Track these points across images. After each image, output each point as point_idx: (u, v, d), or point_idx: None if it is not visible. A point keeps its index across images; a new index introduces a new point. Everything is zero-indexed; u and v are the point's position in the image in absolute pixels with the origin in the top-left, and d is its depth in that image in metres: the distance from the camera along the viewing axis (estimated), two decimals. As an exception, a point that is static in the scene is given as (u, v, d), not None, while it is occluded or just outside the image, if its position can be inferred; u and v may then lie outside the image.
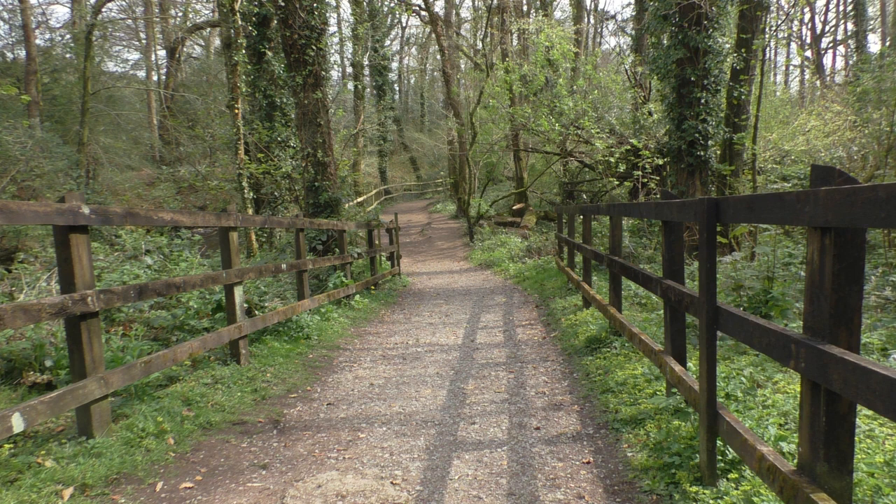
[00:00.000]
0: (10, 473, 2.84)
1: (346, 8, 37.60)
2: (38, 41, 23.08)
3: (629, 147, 13.70)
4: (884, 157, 9.26)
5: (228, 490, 3.00)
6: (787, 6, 13.96)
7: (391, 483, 3.02)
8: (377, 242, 11.05)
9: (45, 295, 6.19)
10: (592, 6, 39.05)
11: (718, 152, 10.67)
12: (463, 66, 34.50)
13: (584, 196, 17.96)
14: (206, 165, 23.02)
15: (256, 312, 6.12)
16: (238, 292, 5.11)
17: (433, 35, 29.36)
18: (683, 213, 3.18)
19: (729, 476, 2.64)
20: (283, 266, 6.39)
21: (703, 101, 9.50)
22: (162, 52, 33.01)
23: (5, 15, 24.43)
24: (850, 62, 27.60)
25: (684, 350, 3.59)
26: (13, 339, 4.56)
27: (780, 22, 11.88)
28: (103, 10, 23.03)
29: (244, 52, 12.68)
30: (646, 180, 12.75)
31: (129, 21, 30.35)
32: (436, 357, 5.73)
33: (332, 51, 28.91)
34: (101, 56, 26.67)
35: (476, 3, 35.85)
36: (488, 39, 22.60)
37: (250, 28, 14.13)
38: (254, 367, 5.11)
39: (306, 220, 7.20)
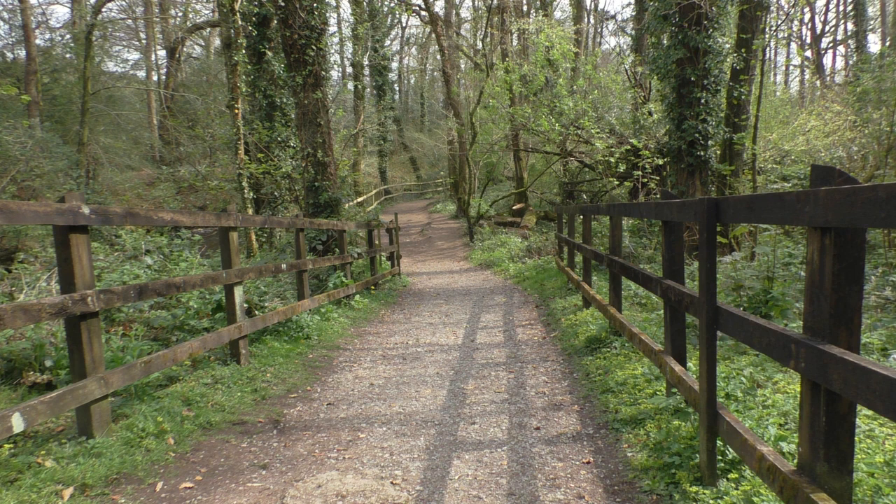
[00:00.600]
0: (10, 473, 2.84)
1: (346, 8, 37.64)
2: (38, 41, 23.09)
3: (629, 147, 13.71)
4: (884, 157, 9.26)
5: (228, 490, 3.00)
6: (787, 6, 13.97)
7: (391, 483, 3.02)
8: (377, 242, 11.05)
9: (45, 295, 6.19)
10: (592, 6, 39.08)
11: (718, 152, 10.67)
12: (463, 66, 34.50)
13: (584, 196, 17.96)
14: (206, 165, 23.02)
15: (256, 312, 6.12)
16: (238, 292, 5.11)
17: (433, 35, 29.36)
18: (683, 213, 3.18)
19: (729, 476, 2.63)
20: (283, 266, 6.39)
21: (703, 101, 9.50)
22: (162, 52, 33.03)
23: (5, 15, 24.45)
24: (850, 62, 27.61)
25: (684, 350, 3.59)
26: (13, 339, 4.56)
27: (780, 22, 11.88)
28: (103, 10, 23.03)
29: (244, 52, 12.68)
30: (646, 180, 12.75)
31: (129, 21, 30.36)
32: (436, 357, 5.73)
33: (332, 51, 28.92)
34: (101, 56, 26.68)
35: (476, 3, 35.87)
36: (488, 39, 22.60)
37: (250, 28, 14.13)
38: (254, 367, 5.11)
39: (306, 220, 7.20)
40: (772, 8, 10.93)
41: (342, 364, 5.63)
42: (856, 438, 2.49)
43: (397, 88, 46.44)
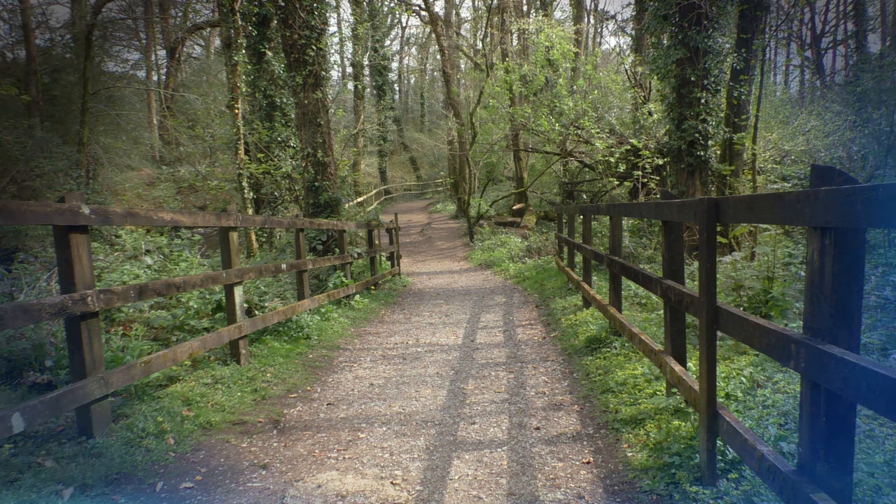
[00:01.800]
0: (10, 473, 2.84)
1: (346, 8, 37.64)
2: (38, 41, 23.06)
3: (629, 147, 13.70)
4: (884, 157, 9.26)
5: (228, 490, 3.00)
6: (787, 6, 13.96)
7: (391, 483, 3.02)
8: (377, 242, 11.05)
9: (45, 295, 6.19)
10: (592, 6, 39.03)
11: (718, 152, 10.66)
12: (463, 66, 34.52)
13: (584, 196, 17.96)
14: (206, 165, 23.02)
15: (256, 312, 6.12)
16: (238, 292, 5.11)
17: (433, 35, 29.36)
18: (683, 213, 3.18)
19: (729, 476, 2.63)
20: (283, 266, 6.39)
21: (703, 101, 9.49)
22: (162, 52, 33.01)
23: (5, 15, 24.41)
24: (850, 62, 27.59)
25: (684, 350, 3.59)
26: (13, 339, 4.56)
27: (780, 22, 11.88)
28: (103, 10, 23.01)
29: (244, 52, 12.68)
30: (646, 180, 12.75)
31: (129, 21, 30.33)
32: (436, 357, 5.73)
33: (332, 51, 28.93)
34: (101, 56, 26.64)
35: (476, 3, 35.88)
36: (488, 39, 22.61)
37: (250, 28, 14.13)
38: (254, 367, 5.11)
39: (306, 220, 7.20)
40: (772, 8, 10.92)
41: (342, 364, 5.63)
42: (856, 438, 2.49)
43: (397, 88, 46.47)
